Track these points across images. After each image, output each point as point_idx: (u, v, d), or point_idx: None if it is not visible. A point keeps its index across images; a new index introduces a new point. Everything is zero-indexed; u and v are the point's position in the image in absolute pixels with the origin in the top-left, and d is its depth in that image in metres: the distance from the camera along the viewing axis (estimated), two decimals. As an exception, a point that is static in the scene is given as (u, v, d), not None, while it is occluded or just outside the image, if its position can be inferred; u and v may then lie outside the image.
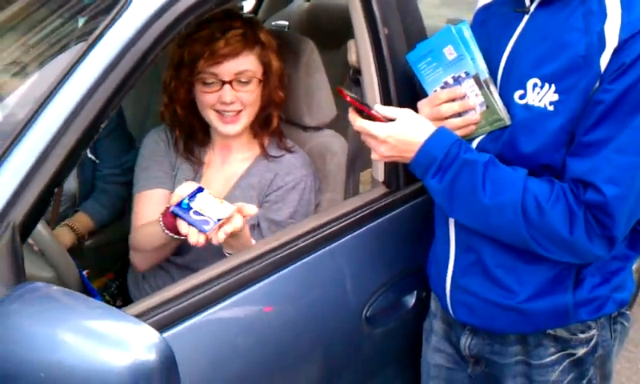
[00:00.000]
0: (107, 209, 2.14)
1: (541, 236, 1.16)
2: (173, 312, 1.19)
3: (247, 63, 1.57)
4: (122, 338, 0.86)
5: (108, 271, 2.02)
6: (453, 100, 1.28)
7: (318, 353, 1.44)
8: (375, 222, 1.50)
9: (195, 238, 1.29)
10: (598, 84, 1.11)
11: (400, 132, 1.24)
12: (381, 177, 1.58)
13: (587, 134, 1.13)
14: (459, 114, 1.27)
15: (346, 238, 1.45)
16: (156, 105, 2.25)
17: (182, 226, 1.31)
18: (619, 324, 1.37)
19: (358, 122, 1.28)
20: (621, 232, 1.15)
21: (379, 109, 1.28)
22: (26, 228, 1.01)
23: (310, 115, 1.73)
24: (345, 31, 2.69)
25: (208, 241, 1.33)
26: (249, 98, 1.58)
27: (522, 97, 1.20)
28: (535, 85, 1.17)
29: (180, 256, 1.65)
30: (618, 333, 1.37)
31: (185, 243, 1.58)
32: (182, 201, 1.31)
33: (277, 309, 1.34)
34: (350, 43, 1.61)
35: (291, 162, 1.66)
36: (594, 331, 1.32)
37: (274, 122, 1.67)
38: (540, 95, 1.17)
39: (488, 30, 1.31)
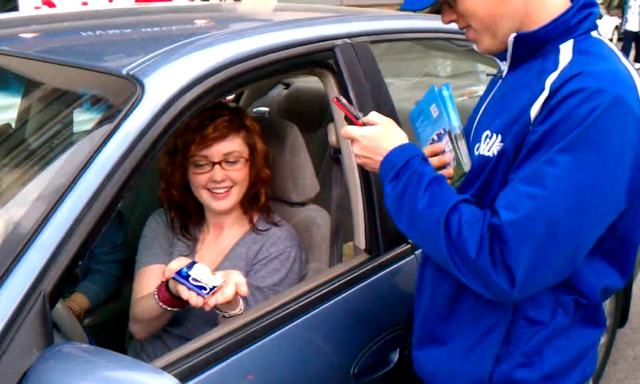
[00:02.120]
0: (101, 288, 2.24)
1: (456, 254, 1.18)
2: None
3: (234, 145, 1.74)
4: (145, 386, 0.99)
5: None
6: (436, 155, 1.37)
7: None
8: (358, 286, 1.64)
9: (195, 300, 1.42)
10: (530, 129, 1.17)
11: (373, 136, 1.32)
12: (362, 245, 1.74)
13: (513, 172, 1.18)
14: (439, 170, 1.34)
15: (332, 301, 1.58)
16: (145, 186, 2.42)
17: (183, 291, 1.43)
18: None
19: (343, 129, 1.39)
20: (519, 265, 1.12)
21: (366, 117, 1.37)
22: (54, 297, 1.13)
23: (295, 192, 1.89)
24: (320, 114, 2.93)
25: (203, 305, 1.44)
26: (237, 175, 1.75)
27: (477, 148, 1.29)
28: (487, 136, 1.26)
29: (176, 327, 1.77)
30: None
31: (180, 315, 1.71)
32: (181, 269, 1.45)
33: (265, 375, 1.43)
34: (330, 126, 1.79)
35: (277, 234, 1.80)
36: None
37: (262, 198, 1.83)
38: (489, 145, 1.24)
39: None
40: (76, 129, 1.37)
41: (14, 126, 1.62)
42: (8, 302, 1.07)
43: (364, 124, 1.36)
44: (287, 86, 3.41)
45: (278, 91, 3.44)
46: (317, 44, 1.67)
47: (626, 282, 1.34)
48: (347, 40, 1.74)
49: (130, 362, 1.04)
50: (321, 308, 1.56)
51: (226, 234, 1.84)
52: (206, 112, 1.74)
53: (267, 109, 3.28)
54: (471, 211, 1.19)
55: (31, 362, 1.06)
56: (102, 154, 1.22)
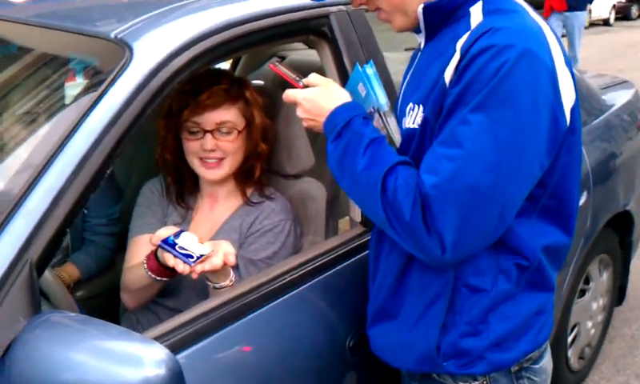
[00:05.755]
0: (94, 260, 2.21)
1: (392, 216, 1.16)
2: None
3: (228, 115, 1.70)
4: (134, 355, 0.96)
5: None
6: None
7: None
8: (354, 258, 1.62)
9: (182, 267, 1.40)
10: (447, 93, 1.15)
11: (314, 98, 1.31)
12: (358, 218, 1.71)
13: (435, 138, 1.17)
14: None
15: (327, 273, 1.56)
16: (140, 159, 2.38)
17: (169, 259, 1.42)
18: (525, 379, 1.33)
19: (284, 93, 1.36)
20: (445, 228, 1.11)
21: (306, 79, 1.36)
22: (42, 265, 1.11)
23: (290, 164, 1.85)
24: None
25: (189, 273, 1.42)
26: (229, 147, 1.71)
27: (404, 122, 1.28)
28: (410, 109, 1.25)
29: (169, 299, 1.74)
30: None
31: (173, 287, 1.69)
32: (168, 237, 1.43)
33: (259, 346, 1.41)
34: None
35: (270, 207, 1.77)
36: (477, 383, 1.31)
37: (257, 173, 1.79)
38: (412, 117, 1.23)
39: None
40: (63, 94, 1.33)
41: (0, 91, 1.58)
42: (-7, 270, 1.04)
43: (305, 86, 1.34)
44: (282, 59, 3.35)
45: (273, 64, 3.39)
46: (312, 10, 1.63)
47: (571, 239, 1.33)
48: (343, 7, 1.69)
49: (119, 332, 1.02)
50: (316, 280, 1.53)
51: (220, 205, 1.80)
52: (205, 78, 1.70)
53: (262, 82, 3.23)
54: (407, 174, 1.18)
55: (18, 330, 1.03)
56: (89, 120, 1.19)
